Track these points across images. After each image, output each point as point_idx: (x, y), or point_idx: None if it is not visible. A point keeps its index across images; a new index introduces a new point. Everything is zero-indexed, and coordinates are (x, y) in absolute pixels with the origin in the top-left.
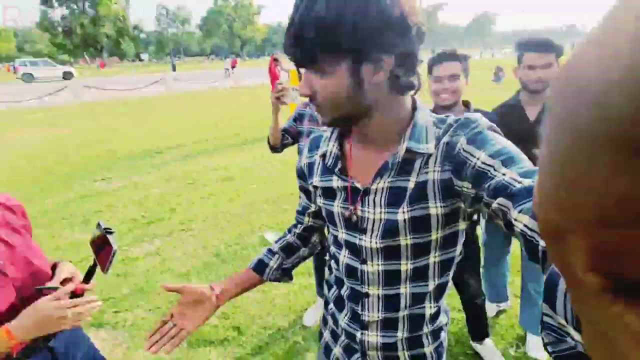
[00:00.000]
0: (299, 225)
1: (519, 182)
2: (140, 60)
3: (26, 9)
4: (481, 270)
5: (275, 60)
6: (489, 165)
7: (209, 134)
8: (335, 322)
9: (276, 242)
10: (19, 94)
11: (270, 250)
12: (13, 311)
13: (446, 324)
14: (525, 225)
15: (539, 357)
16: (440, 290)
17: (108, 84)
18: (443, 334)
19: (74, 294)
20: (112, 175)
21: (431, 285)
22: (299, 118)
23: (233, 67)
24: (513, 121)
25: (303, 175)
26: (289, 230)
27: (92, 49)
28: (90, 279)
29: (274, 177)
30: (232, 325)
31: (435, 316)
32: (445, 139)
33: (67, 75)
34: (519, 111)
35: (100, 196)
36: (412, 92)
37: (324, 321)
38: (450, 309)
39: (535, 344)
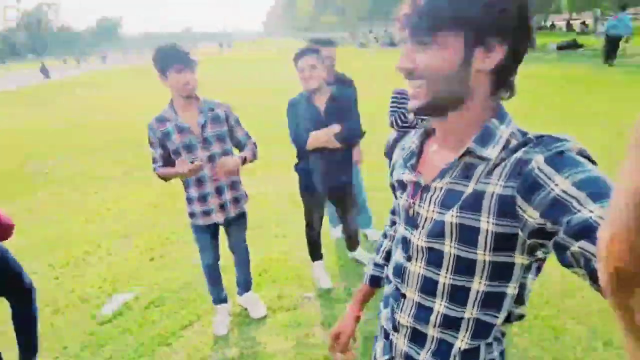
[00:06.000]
0: (393, 226)
1: None
2: None
3: None
4: None
5: None
6: (572, 196)
7: None
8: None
9: (377, 249)
10: None
11: (376, 264)
12: None
13: None
14: None
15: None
16: (479, 329)
17: None
18: None
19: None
20: None
21: (467, 313)
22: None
23: None
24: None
25: (392, 175)
26: (385, 235)
27: None
28: None
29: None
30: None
31: (467, 357)
32: (519, 154)
33: None
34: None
35: None
36: (507, 96)
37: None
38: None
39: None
